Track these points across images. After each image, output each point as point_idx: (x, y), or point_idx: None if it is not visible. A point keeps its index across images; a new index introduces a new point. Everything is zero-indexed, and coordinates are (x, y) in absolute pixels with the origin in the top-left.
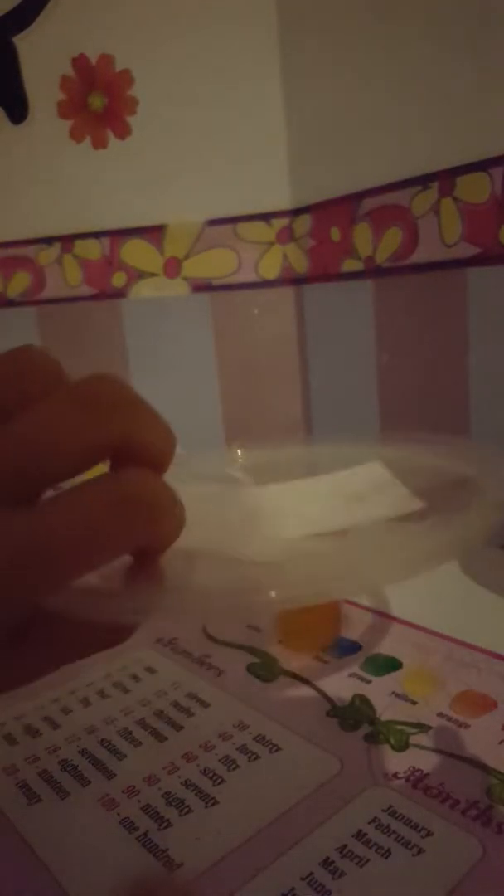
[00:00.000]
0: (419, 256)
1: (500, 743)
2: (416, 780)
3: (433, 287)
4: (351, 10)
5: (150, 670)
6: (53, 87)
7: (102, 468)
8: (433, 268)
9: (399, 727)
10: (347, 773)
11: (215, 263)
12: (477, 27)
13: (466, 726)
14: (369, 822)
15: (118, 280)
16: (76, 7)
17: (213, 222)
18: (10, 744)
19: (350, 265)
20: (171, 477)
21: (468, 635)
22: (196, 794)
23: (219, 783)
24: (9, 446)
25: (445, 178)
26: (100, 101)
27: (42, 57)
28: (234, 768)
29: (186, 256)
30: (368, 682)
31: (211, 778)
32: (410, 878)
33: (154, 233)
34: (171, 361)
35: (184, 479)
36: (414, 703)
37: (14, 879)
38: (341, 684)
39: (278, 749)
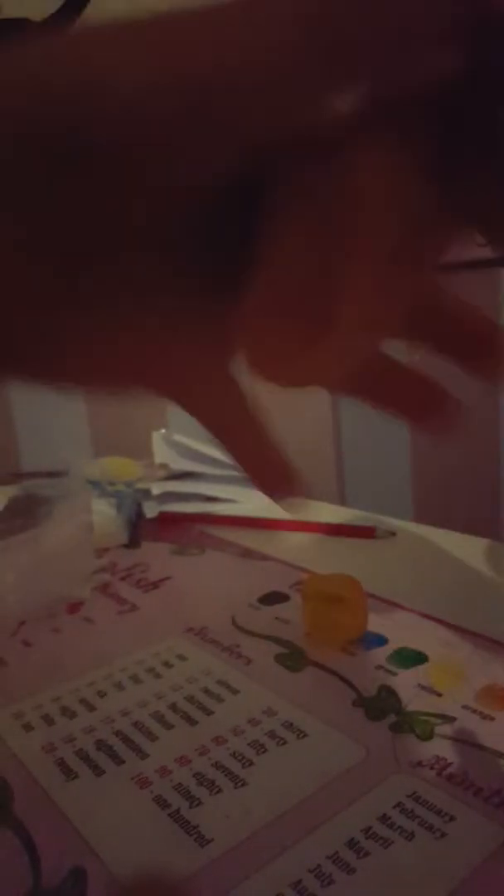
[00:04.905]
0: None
1: None
2: (441, 769)
3: (463, 287)
4: None
5: (182, 658)
6: None
7: None
8: (463, 267)
9: (424, 718)
10: (373, 761)
11: None
12: None
13: (491, 718)
14: (394, 807)
15: None
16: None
17: None
18: (48, 724)
19: None
20: None
21: (494, 631)
22: (226, 775)
23: (248, 766)
24: None
25: None
26: None
27: None
28: (262, 752)
29: None
30: (395, 674)
31: (240, 760)
32: (433, 860)
33: None
34: None
35: None
36: (439, 695)
37: (54, 849)
38: (368, 676)
39: (305, 735)
